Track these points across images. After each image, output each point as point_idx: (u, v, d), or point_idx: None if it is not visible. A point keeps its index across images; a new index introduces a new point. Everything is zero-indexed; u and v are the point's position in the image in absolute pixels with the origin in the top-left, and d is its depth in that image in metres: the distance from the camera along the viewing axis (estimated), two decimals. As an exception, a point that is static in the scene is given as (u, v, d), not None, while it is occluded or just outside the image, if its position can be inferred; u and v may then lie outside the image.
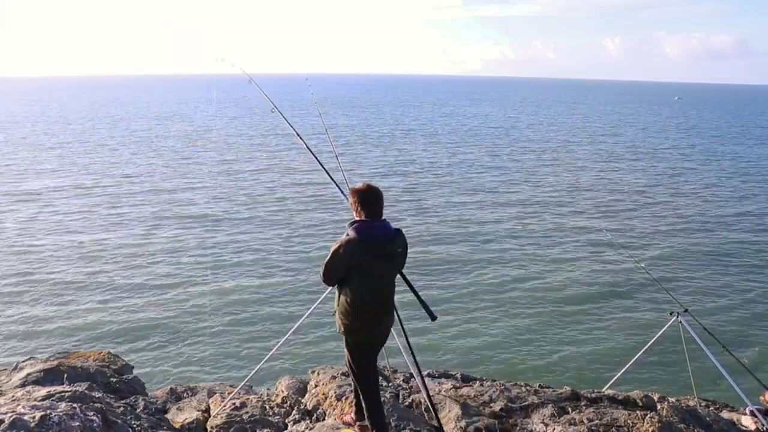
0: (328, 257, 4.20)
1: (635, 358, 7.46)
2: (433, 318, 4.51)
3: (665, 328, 6.84)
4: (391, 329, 4.63)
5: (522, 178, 36.14)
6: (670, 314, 6.70)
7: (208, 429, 5.23)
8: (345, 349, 4.47)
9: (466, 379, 6.98)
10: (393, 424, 5.04)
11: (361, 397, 4.60)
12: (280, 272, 18.82)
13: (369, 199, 4.25)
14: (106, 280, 17.98)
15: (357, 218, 4.28)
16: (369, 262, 4.15)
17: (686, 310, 6.73)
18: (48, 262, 19.44)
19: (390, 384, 6.36)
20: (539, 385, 6.78)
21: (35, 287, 17.37)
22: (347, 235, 4.19)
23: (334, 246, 4.19)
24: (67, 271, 18.67)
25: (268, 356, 6.05)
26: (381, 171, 37.52)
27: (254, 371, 6.05)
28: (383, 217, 4.30)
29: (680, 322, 6.58)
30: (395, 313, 4.72)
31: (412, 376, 6.52)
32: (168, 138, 52.32)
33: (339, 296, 4.32)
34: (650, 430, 5.15)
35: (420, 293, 4.69)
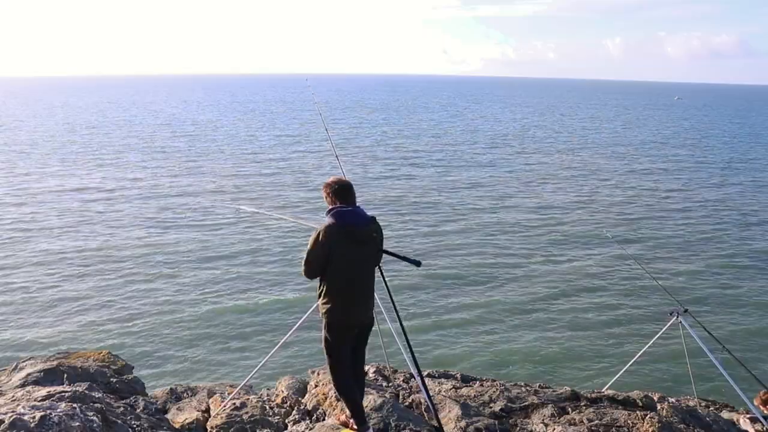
0: (309, 246, 4.39)
1: (635, 358, 7.46)
2: (418, 264, 4.74)
3: (665, 328, 6.83)
4: (375, 322, 4.79)
5: (524, 179, 36.16)
6: (670, 314, 6.68)
7: (208, 429, 5.22)
8: (323, 331, 4.60)
9: (466, 379, 6.97)
10: (393, 424, 5.04)
11: (331, 376, 4.71)
12: (281, 273, 18.83)
13: (340, 190, 4.51)
14: (106, 281, 17.99)
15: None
16: (346, 245, 4.37)
17: (686, 310, 6.71)
18: (48, 263, 19.45)
19: (390, 384, 6.36)
20: (539, 385, 6.78)
21: (36, 287, 17.38)
22: (325, 221, 4.43)
23: (313, 234, 4.39)
24: (68, 272, 18.68)
25: (268, 356, 6.05)
26: (387, 175, 37.52)
27: (254, 371, 6.06)
28: (357, 205, 4.58)
29: (680, 322, 6.57)
30: (396, 312, 4.85)
31: (412, 376, 6.52)
32: (172, 140, 52.24)
33: (321, 282, 4.53)
34: (650, 430, 5.15)
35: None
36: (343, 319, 4.51)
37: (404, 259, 4.76)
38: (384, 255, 4.81)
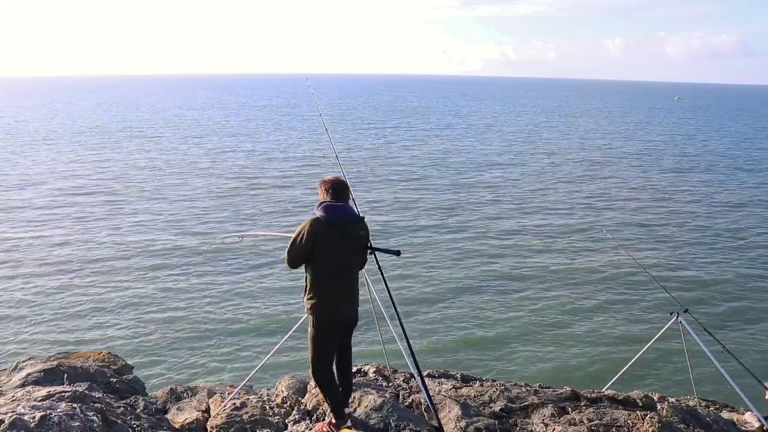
0: (294, 235, 4.44)
1: (635, 358, 7.44)
2: (398, 254, 4.77)
3: (665, 328, 6.82)
4: (358, 318, 4.81)
5: (525, 180, 36.16)
6: (670, 314, 6.68)
7: (208, 429, 5.22)
8: (309, 328, 4.62)
9: (466, 379, 6.97)
10: (393, 424, 5.04)
11: (313, 371, 4.72)
12: (281, 272, 18.82)
13: (335, 187, 4.59)
14: (106, 281, 17.99)
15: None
16: (332, 240, 4.41)
17: (686, 310, 6.71)
18: (49, 264, 19.45)
19: (390, 384, 6.36)
20: (539, 385, 6.78)
21: (36, 288, 17.38)
22: (314, 214, 4.50)
23: (299, 226, 4.46)
24: (68, 272, 18.67)
25: (268, 356, 6.06)
26: (391, 176, 37.51)
27: (254, 371, 6.06)
28: (348, 204, 4.66)
29: (680, 322, 6.56)
30: (396, 312, 4.89)
31: (412, 376, 6.52)
32: (177, 142, 52.07)
33: (306, 277, 4.57)
34: (650, 430, 5.15)
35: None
36: (333, 316, 4.54)
37: (384, 251, 4.80)
38: (380, 254, 4.83)
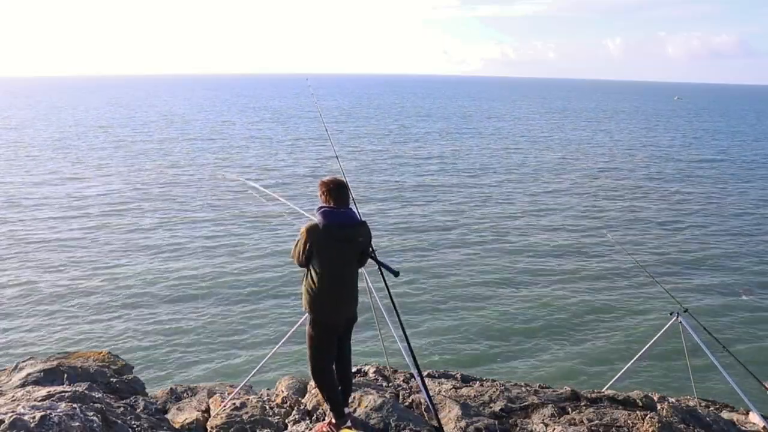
0: (297, 239, 4.57)
1: (635, 358, 7.44)
2: (396, 274, 4.75)
3: (665, 328, 6.82)
4: (358, 316, 4.85)
5: (526, 181, 36.16)
6: (670, 314, 6.67)
7: (208, 429, 5.22)
8: (307, 327, 4.67)
9: (466, 379, 6.97)
10: (393, 424, 5.04)
11: (312, 371, 4.75)
12: (281, 272, 18.83)
13: (335, 189, 4.60)
14: (106, 281, 17.99)
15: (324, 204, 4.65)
16: (331, 246, 4.47)
17: (686, 310, 6.70)
18: (49, 263, 19.45)
19: (390, 384, 6.36)
20: (539, 385, 6.78)
21: (36, 288, 17.39)
22: (314, 219, 4.55)
23: (302, 229, 4.54)
24: (68, 272, 18.68)
25: (268, 356, 6.06)
26: (394, 177, 37.50)
27: (254, 371, 6.07)
28: (350, 207, 4.69)
29: (680, 322, 6.56)
30: (396, 312, 4.92)
31: (412, 376, 6.52)
32: (182, 143, 52.00)
33: (306, 276, 4.63)
34: (650, 430, 5.15)
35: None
36: (331, 316, 4.59)
37: (385, 267, 4.80)
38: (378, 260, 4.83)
